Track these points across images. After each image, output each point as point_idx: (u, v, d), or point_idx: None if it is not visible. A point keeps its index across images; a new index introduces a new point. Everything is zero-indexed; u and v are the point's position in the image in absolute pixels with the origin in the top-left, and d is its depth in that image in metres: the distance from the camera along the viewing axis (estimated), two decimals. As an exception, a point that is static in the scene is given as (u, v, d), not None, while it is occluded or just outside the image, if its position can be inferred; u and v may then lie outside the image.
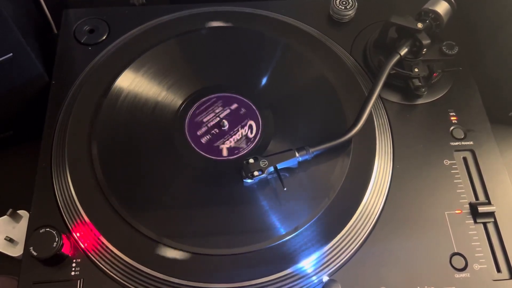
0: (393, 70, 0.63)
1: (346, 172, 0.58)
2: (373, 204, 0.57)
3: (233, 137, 0.62)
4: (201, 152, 0.60)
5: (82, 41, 0.68)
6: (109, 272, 0.52)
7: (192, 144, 0.61)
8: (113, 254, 0.53)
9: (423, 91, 0.64)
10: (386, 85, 0.63)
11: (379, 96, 0.65)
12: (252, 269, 0.52)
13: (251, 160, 0.56)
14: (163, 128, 0.62)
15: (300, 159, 0.57)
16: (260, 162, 0.56)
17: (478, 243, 0.56)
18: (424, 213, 0.57)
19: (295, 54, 0.67)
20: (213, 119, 0.63)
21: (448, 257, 0.55)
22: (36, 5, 0.73)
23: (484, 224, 0.57)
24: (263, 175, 0.56)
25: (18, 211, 0.60)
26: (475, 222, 0.57)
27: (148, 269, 0.52)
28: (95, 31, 0.69)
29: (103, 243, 0.53)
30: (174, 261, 0.53)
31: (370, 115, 0.62)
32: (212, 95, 0.65)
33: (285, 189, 0.56)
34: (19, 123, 0.67)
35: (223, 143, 0.61)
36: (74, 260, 0.53)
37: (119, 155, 0.59)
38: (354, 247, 0.55)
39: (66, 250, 0.52)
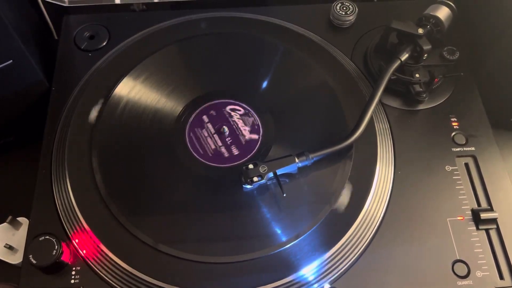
0: (394, 76, 0.62)
1: (347, 178, 0.58)
2: (374, 211, 0.57)
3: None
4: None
5: (82, 47, 0.68)
6: (109, 280, 0.52)
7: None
8: (112, 262, 0.52)
9: (424, 97, 0.63)
10: (387, 91, 0.63)
11: (380, 101, 0.65)
12: (253, 277, 0.52)
13: (251, 166, 0.56)
14: (163, 135, 0.61)
15: (300, 164, 0.57)
16: (260, 168, 0.56)
17: (481, 249, 0.56)
18: (426, 220, 0.57)
19: (295, 60, 0.67)
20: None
21: (450, 264, 0.55)
22: (37, 11, 0.73)
23: (487, 230, 0.57)
24: (262, 181, 0.56)
25: (18, 218, 0.60)
26: (477, 228, 0.57)
27: (148, 277, 0.52)
28: (95, 37, 0.69)
29: (102, 250, 0.53)
30: (174, 269, 0.52)
31: (371, 121, 0.61)
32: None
33: (284, 195, 0.56)
34: (20, 129, 0.67)
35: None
36: (74, 268, 0.53)
37: (119, 162, 0.59)
38: (355, 254, 0.54)
39: (66, 258, 0.52)
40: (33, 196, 0.57)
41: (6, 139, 0.68)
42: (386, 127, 0.63)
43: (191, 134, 0.62)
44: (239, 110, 0.64)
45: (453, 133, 0.63)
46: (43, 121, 0.62)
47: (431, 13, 0.64)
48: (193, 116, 0.63)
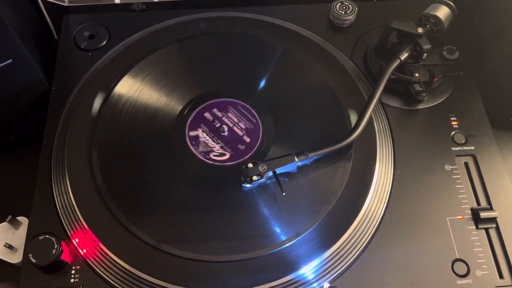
0: (394, 75, 0.62)
1: (347, 178, 0.58)
2: (374, 210, 0.57)
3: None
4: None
5: (82, 47, 0.68)
6: (109, 279, 0.52)
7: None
8: (112, 261, 0.52)
9: (424, 96, 0.63)
10: (386, 90, 0.63)
11: (380, 101, 0.65)
12: (252, 276, 0.52)
13: (250, 165, 0.56)
14: (163, 134, 0.61)
15: (299, 164, 0.57)
16: (259, 167, 0.56)
17: (480, 249, 0.56)
18: (425, 219, 0.57)
19: (295, 59, 0.67)
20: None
21: (450, 263, 0.55)
22: (37, 11, 0.73)
23: (486, 229, 0.57)
24: (262, 180, 0.56)
25: (18, 218, 0.60)
26: (477, 227, 0.57)
27: (148, 276, 0.52)
28: (95, 37, 0.69)
29: (102, 250, 0.53)
30: (173, 267, 0.52)
31: (371, 120, 0.61)
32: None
33: (283, 194, 0.56)
34: (20, 129, 0.67)
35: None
36: (74, 267, 0.53)
37: (118, 161, 0.59)
38: (355, 253, 0.54)
39: (65, 257, 0.52)
40: (33, 196, 0.57)
41: (6, 139, 0.68)
42: (386, 126, 0.63)
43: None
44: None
45: (453, 133, 0.63)
46: (43, 121, 0.62)
47: (431, 13, 0.64)
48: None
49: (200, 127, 0.62)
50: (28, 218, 0.57)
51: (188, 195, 0.58)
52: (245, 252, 0.53)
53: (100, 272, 0.53)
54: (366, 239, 0.55)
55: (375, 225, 0.56)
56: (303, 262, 0.53)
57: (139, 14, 0.74)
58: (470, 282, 0.54)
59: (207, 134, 0.62)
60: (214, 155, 0.60)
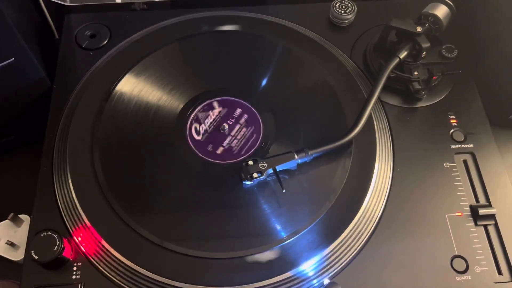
0: (393, 74, 0.63)
1: (346, 175, 0.58)
2: (373, 207, 0.57)
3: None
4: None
5: (83, 46, 0.69)
6: (110, 276, 0.52)
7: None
8: (114, 258, 0.53)
9: (423, 94, 0.64)
10: (386, 88, 0.64)
11: (379, 99, 0.65)
12: (253, 272, 0.52)
13: (251, 162, 0.56)
14: (164, 132, 0.62)
15: (300, 161, 0.57)
16: (260, 164, 0.56)
17: (479, 245, 0.56)
18: (424, 216, 0.57)
19: (295, 58, 0.68)
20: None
21: (449, 260, 0.55)
22: (38, 10, 0.73)
23: (485, 226, 0.57)
24: (262, 177, 0.56)
25: (20, 215, 0.60)
26: (476, 224, 0.57)
27: (149, 273, 0.52)
28: (96, 36, 0.70)
29: (104, 246, 0.53)
30: (175, 264, 0.53)
31: (370, 118, 0.62)
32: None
33: (284, 191, 0.56)
34: (21, 128, 0.68)
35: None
36: (75, 264, 0.53)
37: (120, 159, 0.59)
38: (355, 250, 0.55)
39: (67, 254, 0.52)
40: (35, 193, 0.57)
41: (7, 138, 0.68)
42: (385, 124, 0.64)
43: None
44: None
45: (452, 131, 0.64)
46: (44, 120, 0.62)
47: (430, 12, 0.65)
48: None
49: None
50: (29, 215, 0.57)
51: (189, 193, 0.58)
52: (246, 248, 0.53)
53: (101, 269, 0.53)
54: (365, 236, 0.56)
55: (374, 222, 0.57)
56: (303, 258, 0.53)
57: (140, 13, 0.74)
58: (469, 278, 0.54)
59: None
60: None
